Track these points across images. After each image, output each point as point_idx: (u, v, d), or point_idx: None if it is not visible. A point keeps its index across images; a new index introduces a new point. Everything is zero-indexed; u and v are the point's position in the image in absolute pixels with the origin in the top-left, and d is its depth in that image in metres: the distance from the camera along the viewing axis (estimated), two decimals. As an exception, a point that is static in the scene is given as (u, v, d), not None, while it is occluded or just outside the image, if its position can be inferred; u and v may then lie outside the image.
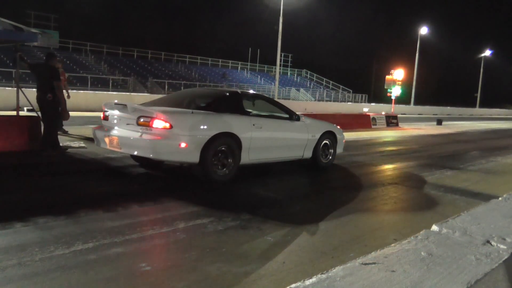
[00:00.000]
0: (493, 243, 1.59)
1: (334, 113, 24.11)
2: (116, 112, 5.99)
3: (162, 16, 78.38)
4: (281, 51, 32.80)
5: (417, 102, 47.22)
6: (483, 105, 60.90)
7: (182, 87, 36.32)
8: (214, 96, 6.47)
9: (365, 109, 30.78)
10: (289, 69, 55.29)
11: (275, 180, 6.71)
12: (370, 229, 4.46)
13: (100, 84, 32.19)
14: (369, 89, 62.25)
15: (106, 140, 5.92)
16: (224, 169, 5.93)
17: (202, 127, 5.54)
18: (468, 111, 51.26)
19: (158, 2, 75.13)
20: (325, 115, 18.92)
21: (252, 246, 3.77)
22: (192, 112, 5.68)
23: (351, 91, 52.23)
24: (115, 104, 6.04)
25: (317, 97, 46.84)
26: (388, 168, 8.75)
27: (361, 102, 49.23)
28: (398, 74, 26.53)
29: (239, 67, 51.07)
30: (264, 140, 6.42)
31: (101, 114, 6.53)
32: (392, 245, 1.47)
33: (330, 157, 7.96)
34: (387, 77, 26.89)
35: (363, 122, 18.93)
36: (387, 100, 31.66)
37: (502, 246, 1.55)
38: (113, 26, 62.42)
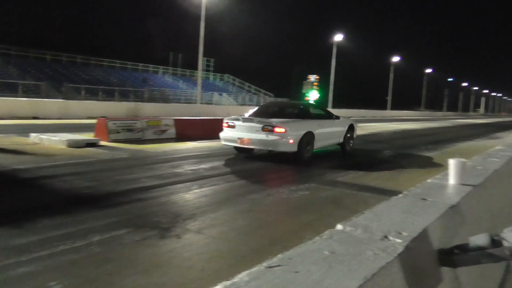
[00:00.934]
0: (390, 238, 1.69)
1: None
2: (241, 123, 9.01)
3: (79, 18, 74.73)
4: (204, 55, 32.67)
5: (334, 105, 49.35)
6: (394, 107, 65.10)
7: (100, 93, 34.83)
8: (296, 107, 10.41)
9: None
10: (211, 73, 55.25)
11: (195, 191, 6.65)
12: (290, 230, 4.58)
13: (9, 90, 29.88)
14: (290, 93, 64.01)
15: (238, 140, 8.98)
16: (307, 153, 9.29)
17: (298, 130, 8.92)
18: (380, 113, 54.45)
19: (74, 1, 71.46)
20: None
21: (170, 256, 3.70)
22: (293, 121, 9.03)
23: (273, 95, 53.37)
24: (243, 118, 9.11)
25: (239, 101, 47.26)
26: (308, 169, 9.03)
27: (283, 106, 50.44)
28: (314, 78, 27.59)
29: (160, 72, 50.09)
30: (324, 134, 9.99)
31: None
32: (298, 246, 1.50)
33: (352, 141, 11.90)
34: (305, 81, 27.85)
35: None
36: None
37: (398, 240, 1.66)
38: (22, 27, 58.36)
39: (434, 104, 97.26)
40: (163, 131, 13.25)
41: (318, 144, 9.83)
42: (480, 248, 1.71)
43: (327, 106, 47.93)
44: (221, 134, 9.61)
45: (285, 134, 8.71)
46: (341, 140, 11.27)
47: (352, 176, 8.26)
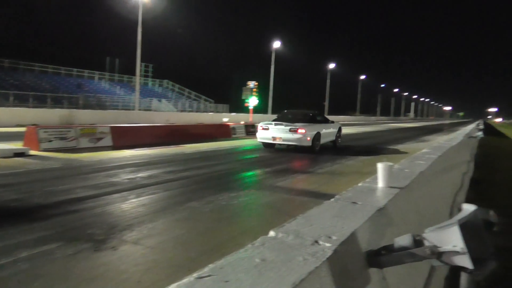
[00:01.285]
0: (320, 242, 1.73)
1: (197, 123, 24.26)
2: (273, 127, 12.65)
3: (6, 19, 70.40)
4: (142, 61, 31.95)
5: (274, 111, 50.15)
6: (331, 112, 67.23)
7: (31, 99, 32.99)
8: (308, 115, 13.77)
9: (225, 119, 31.58)
10: (150, 79, 54.13)
11: (133, 201, 6.47)
12: (229, 237, 4.57)
13: None
14: (230, 99, 64.10)
15: (272, 138, 12.52)
16: (317, 147, 13.01)
17: (312, 131, 12.29)
18: (318, 118, 56.20)
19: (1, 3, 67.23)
20: (188, 126, 18.96)
21: (105, 269, 3.56)
22: (309, 125, 12.57)
23: (213, 101, 53.23)
24: (275, 123, 12.87)
25: (179, 108, 46.66)
26: (247, 175, 9.08)
27: (223, 112, 50.45)
28: (253, 85, 27.84)
29: (96, 77, 48.33)
30: (326, 133, 13.79)
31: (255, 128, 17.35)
32: (230, 254, 1.50)
33: (339, 139, 15.91)
34: (244, 87, 28.02)
35: (224, 131, 19.39)
36: (246, 109, 32.94)
37: (327, 245, 1.70)
38: None
39: (368, 109, 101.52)
40: (99, 139, 12.79)
41: (322, 141, 13.91)
42: (403, 248, 1.79)
43: (267, 111, 48.52)
44: (258, 134, 13.62)
45: (305, 134, 12.77)
46: (334, 138, 15.45)
47: (290, 181, 8.41)
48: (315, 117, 14.42)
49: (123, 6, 29.22)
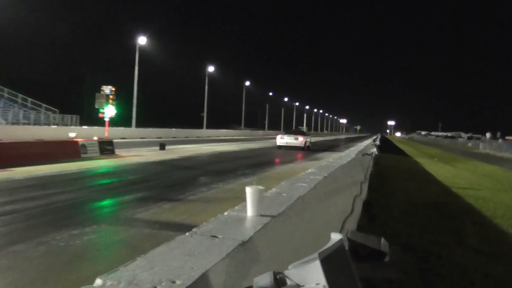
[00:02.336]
0: (160, 289, 1.69)
1: (35, 139, 22.71)
2: (286, 135, 35.19)
3: None
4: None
5: (139, 124, 49.26)
6: (211, 125, 68.21)
7: None
8: (301, 131, 41.87)
9: (72, 134, 30.18)
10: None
11: None
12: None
13: None
14: (81, 109, 61.50)
15: (285, 143, 34.21)
16: (306, 145, 35.35)
17: (304, 138, 35.35)
18: (195, 133, 56.40)
19: None
20: (20, 144, 17.70)
21: None
22: (302, 135, 36.46)
23: (58, 111, 50.54)
24: (287, 133, 36.15)
25: (10, 120, 43.42)
26: (98, 206, 8.75)
27: (71, 125, 48.13)
28: (110, 90, 27.05)
29: None
30: (310, 141, 38.59)
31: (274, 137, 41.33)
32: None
33: (310, 145, 37.41)
34: (98, 94, 27.07)
35: (70, 150, 18.45)
36: (102, 121, 31.82)
37: (168, 292, 1.67)
38: None
39: (255, 122, 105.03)
40: None
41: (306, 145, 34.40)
42: (263, 290, 1.83)
43: (130, 124, 47.52)
44: (277, 141, 34.10)
45: (301, 140, 33.07)
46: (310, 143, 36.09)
47: (154, 211, 8.28)
48: (304, 132, 38.24)
49: None
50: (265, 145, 39.15)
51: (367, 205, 9.32)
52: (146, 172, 14.95)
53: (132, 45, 48.47)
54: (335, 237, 1.96)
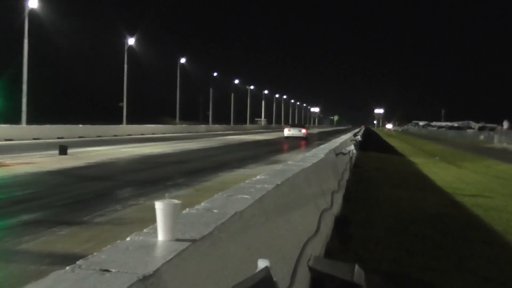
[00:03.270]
0: None
1: None
2: (292, 128, 69.24)
3: None
4: None
5: (32, 120, 48.30)
6: (134, 119, 67.52)
7: None
8: (302, 124, 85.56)
9: None
10: None
11: None
12: None
13: None
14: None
15: (291, 134, 66.38)
16: (308, 137, 67.97)
17: (306, 130, 70.50)
18: (111, 130, 55.49)
19: None
20: None
21: None
22: (306, 128, 73.48)
23: None
24: (292, 126, 71.07)
25: None
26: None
27: None
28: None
29: None
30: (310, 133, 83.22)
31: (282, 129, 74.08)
32: None
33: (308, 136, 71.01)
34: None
35: None
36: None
37: None
38: None
39: (196, 114, 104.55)
40: None
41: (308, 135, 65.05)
42: None
43: (19, 121, 46.59)
44: (285, 133, 64.73)
45: (304, 132, 64.15)
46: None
47: (45, 239, 8.20)
48: (304, 126, 73.35)
49: None
50: (208, 145, 39.21)
51: (340, 222, 9.44)
52: (39, 186, 14.70)
53: (20, 8, 47.36)
54: (262, 264, 1.97)
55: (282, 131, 70.00)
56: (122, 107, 66.00)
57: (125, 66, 65.24)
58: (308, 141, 55.02)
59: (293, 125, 72.97)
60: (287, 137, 63.42)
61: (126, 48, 65.15)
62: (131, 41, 65.47)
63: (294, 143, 47.91)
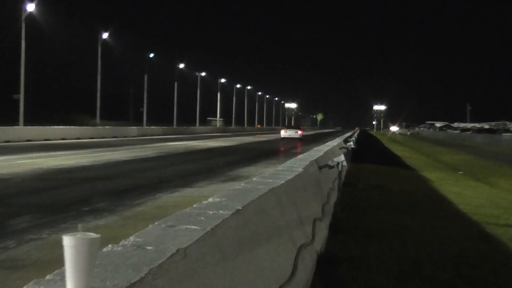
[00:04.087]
0: None
1: None
2: (288, 130, 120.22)
3: None
4: None
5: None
6: (34, 119, 67.08)
7: None
8: (298, 126, 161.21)
9: None
10: None
11: None
12: None
13: None
14: None
15: (287, 134, 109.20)
16: (303, 139, 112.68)
17: (302, 132, 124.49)
18: (1, 133, 54.58)
19: None
20: None
21: None
22: (301, 129, 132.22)
23: None
24: (288, 128, 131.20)
25: None
26: None
27: None
28: None
29: None
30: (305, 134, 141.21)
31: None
32: None
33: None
34: None
35: None
36: None
37: None
38: None
39: (126, 112, 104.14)
40: None
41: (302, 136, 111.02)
42: None
43: None
44: (281, 133, 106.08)
45: (299, 133, 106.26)
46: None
47: None
48: (299, 127, 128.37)
49: None
50: (142, 154, 39.06)
51: (325, 261, 9.43)
52: None
53: None
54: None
55: (245, 135, 75.76)
56: (18, 101, 64.63)
57: (23, 42, 64.41)
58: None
59: (289, 127, 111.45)
60: (283, 138, 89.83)
61: (23, 17, 64.05)
62: (30, 6, 63.88)
63: (264, 150, 45.88)
